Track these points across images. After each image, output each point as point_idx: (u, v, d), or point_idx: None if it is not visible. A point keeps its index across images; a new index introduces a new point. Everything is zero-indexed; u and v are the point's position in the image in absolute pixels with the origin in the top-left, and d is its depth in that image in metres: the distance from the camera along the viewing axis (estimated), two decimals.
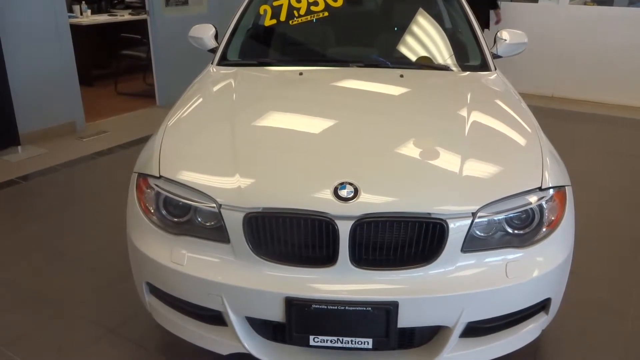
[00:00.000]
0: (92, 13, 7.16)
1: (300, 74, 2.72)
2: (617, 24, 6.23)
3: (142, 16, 6.60)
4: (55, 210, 3.58)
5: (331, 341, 1.80)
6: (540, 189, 1.88)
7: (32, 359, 2.26)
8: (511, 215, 1.83)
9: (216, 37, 3.26)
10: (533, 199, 1.86)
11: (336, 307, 1.73)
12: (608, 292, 2.76)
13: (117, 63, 7.10)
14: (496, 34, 3.18)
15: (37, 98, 4.85)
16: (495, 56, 3.05)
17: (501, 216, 1.81)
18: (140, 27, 6.63)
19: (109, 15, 7.35)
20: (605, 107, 6.35)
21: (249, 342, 1.87)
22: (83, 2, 7.01)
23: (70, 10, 6.66)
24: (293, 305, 1.74)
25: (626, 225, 3.48)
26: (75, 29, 5.78)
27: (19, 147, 4.63)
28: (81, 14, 6.93)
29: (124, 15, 7.29)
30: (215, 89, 2.63)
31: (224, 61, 2.96)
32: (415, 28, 3.12)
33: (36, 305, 2.61)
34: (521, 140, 2.13)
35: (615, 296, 2.72)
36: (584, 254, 3.00)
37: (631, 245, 3.22)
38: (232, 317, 1.83)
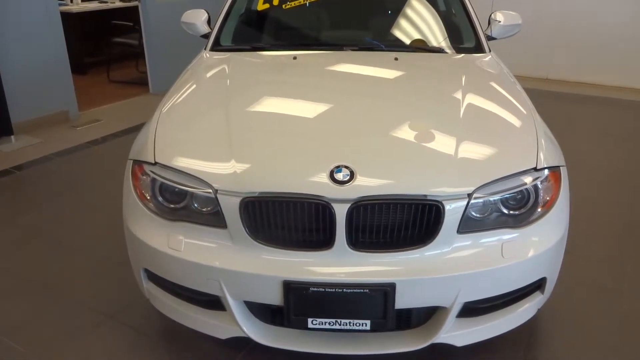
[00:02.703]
0: (83, 0, 7.09)
1: (294, 58, 2.71)
2: (613, 4, 6.21)
3: (134, 3, 6.53)
4: (50, 199, 3.58)
5: (329, 323, 1.82)
6: (535, 169, 1.89)
7: (31, 346, 2.27)
8: (506, 195, 1.84)
9: (209, 22, 3.23)
10: (528, 179, 1.87)
11: (334, 290, 1.74)
12: (603, 271, 2.79)
13: (109, 51, 7.04)
14: (490, 15, 3.17)
15: (30, 87, 4.82)
16: (489, 38, 3.05)
17: (497, 197, 1.82)
18: (131, 14, 6.57)
19: (99, 2, 7.27)
20: (600, 88, 6.36)
21: (248, 326, 1.89)
22: None
23: None
24: (291, 288, 1.75)
25: (620, 205, 3.50)
26: (66, 17, 5.72)
27: (12, 137, 4.61)
28: (71, 1, 6.86)
29: (115, 2, 7.22)
30: (208, 74, 2.61)
31: (217, 47, 2.95)
32: (409, 10, 3.11)
33: (35, 293, 2.61)
34: (516, 122, 2.13)
35: (610, 275, 2.75)
36: (578, 233, 3.02)
37: (625, 224, 3.25)
38: (231, 302, 1.84)
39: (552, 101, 5.86)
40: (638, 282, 2.69)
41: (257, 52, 2.88)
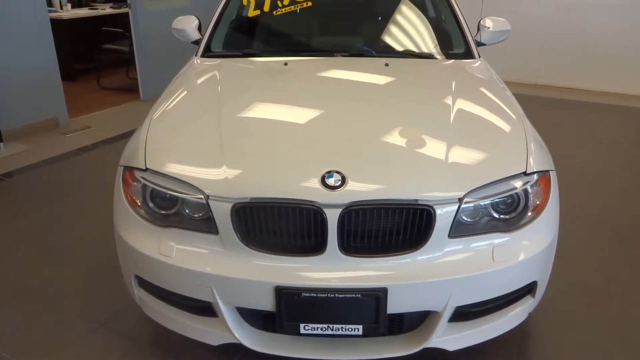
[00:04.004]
0: (72, 7, 7.06)
1: (285, 64, 2.72)
2: (600, 11, 6.28)
3: (124, 9, 6.52)
4: (40, 207, 3.55)
5: (321, 329, 1.82)
6: (525, 173, 1.90)
7: (20, 354, 2.24)
8: (497, 200, 1.85)
9: (199, 28, 3.24)
10: (518, 183, 1.88)
11: (326, 295, 1.74)
12: (593, 274, 2.80)
13: (100, 57, 7.01)
14: (479, 21, 3.20)
15: (19, 94, 4.78)
16: (478, 44, 3.07)
17: (487, 201, 1.83)
18: (122, 21, 6.56)
19: (89, 9, 7.25)
20: (588, 93, 6.42)
21: (240, 332, 1.88)
22: None
23: (50, 4, 6.56)
24: (283, 294, 1.75)
25: (608, 208, 3.53)
26: (56, 24, 5.71)
27: (1, 144, 4.57)
28: (61, 7, 6.84)
29: (105, 9, 7.20)
30: (199, 80, 2.62)
31: (208, 53, 2.95)
32: (399, 17, 3.13)
33: (24, 300, 2.59)
34: (506, 127, 2.15)
35: (600, 278, 2.77)
36: (568, 237, 3.04)
37: (614, 228, 3.27)
38: (222, 308, 1.83)
39: (541, 106, 5.91)
40: (628, 284, 2.71)
41: (248, 58, 2.89)
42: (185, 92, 2.47)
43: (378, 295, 1.74)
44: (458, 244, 1.81)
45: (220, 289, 1.80)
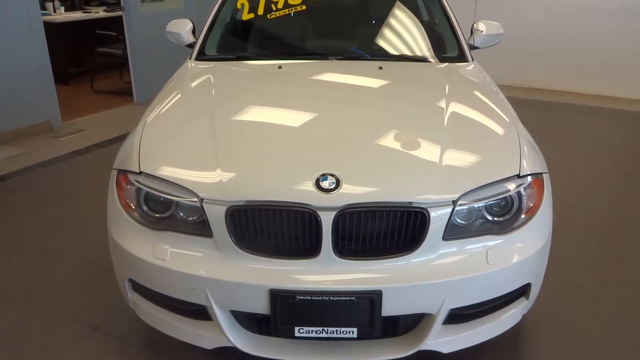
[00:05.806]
0: (66, 10, 7.05)
1: (280, 67, 2.72)
2: (592, 15, 6.33)
3: (117, 12, 6.52)
4: (34, 210, 3.53)
5: (316, 332, 1.82)
6: (518, 176, 1.91)
7: (15, 358, 2.23)
8: (491, 202, 1.86)
9: (194, 32, 3.24)
10: (512, 186, 1.89)
11: (320, 298, 1.74)
12: (586, 276, 2.82)
13: (93, 60, 6.99)
14: (473, 25, 3.22)
15: (12, 97, 4.76)
16: (472, 47, 3.09)
17: (481, 204, 1.84)
18: (115, 24, 6.56)
19: (83, 12, 7.24)
20: (580, 97, 6.46)
21: (234, 335, 1.88)
22: None
23: (43, 7, 6.54)
24: (277, 297, 1.75)
25: (601, 211, 3.55)
26: (49, 27, 5.69)
27: None
28: (54, 11, 6.82)
29: (99, 12, 7.19)
30: (194, 84, 2.61)
31: (202, 56, 2.95)
32: (393, 20, 3.14)
33: (18, 304, 2.57)
34: (499, 130, 2.16)
35: (593, 280, 2.78)
36: (561, 240, 3.05)
37: (606, 230, 3.29)
38: (217, 311, 1.83)
39: (534, 109, 5.94)
40: (621, 285, 2.72)
41: (242, 62, 2.89)
42: (179, 95, 2.47)
43: (373, 298, 1.74)
44: (452, 247, 1.82)
45: (215, 293, 1.80)
